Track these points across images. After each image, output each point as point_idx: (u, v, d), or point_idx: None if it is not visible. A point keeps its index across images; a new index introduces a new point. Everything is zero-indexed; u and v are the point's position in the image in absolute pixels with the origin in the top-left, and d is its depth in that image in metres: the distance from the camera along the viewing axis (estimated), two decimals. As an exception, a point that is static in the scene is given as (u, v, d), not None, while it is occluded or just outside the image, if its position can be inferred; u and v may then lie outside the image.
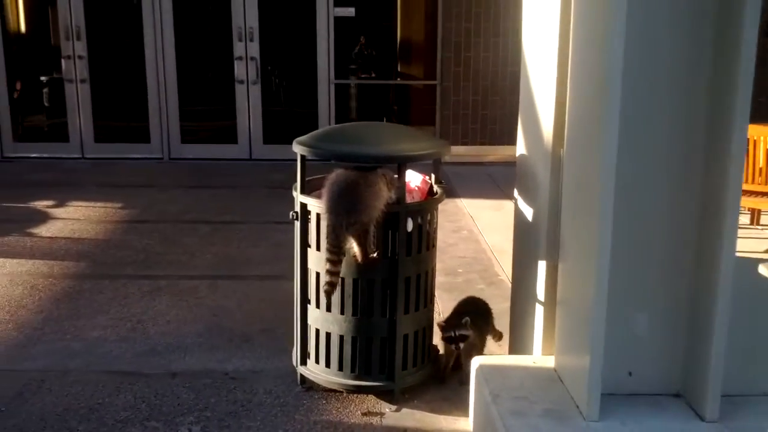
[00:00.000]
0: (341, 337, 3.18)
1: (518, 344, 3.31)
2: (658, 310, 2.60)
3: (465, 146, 8.69)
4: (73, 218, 6.19)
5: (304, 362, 3.33)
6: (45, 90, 9.01)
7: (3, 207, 6.58)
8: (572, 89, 2.67)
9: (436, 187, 3.36)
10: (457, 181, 7.42)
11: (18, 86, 8.84)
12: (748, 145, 5.18)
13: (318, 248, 3.12)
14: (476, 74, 8.63)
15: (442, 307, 4.03)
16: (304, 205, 3.15)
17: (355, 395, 3.28)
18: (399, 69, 9.84)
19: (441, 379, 3.39)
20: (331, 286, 2.94)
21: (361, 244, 2.96)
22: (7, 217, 6.25)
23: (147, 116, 8.64)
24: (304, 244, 3.20)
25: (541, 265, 2.98)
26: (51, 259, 5.15)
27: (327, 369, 3.24)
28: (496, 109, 8.71)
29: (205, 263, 5.15)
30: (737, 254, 2.40)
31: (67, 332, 3.98)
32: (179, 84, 8.59)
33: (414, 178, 3.37)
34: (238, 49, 8.52)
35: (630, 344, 2.62)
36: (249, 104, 8.66)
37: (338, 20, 8.56)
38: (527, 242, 3.16)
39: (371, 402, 3.26)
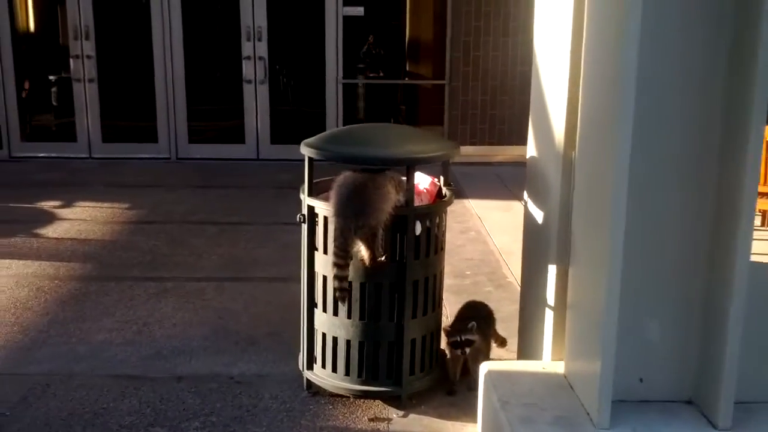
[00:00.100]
0: (348, 342, 3.14)
1: (527, 349, 3.26)
2: (670, 314, 2.55)
3: (473, 146, 8.63)
4: (80, 219, 6.17)
5: (310, 367, 3.30)
6: (53, 89, 9.00)
7: (10, 207, 6.57)
8: (585, 90, 2.62)
9: (444, 190, 3.32)
10: (465, 182, 7.37)
11: (26, 86, 8.83)
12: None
13: (325, 251, 3.08)
14: (485, 74, 8.58)
15: (450, 310, 3.98)
16: (311, 208, 3.12)
17: (362, 400, 3.25)
18: (407, 68, 9.79)
19: (451, 392, 3.34)
20: (343, 291, 2.90)
21: (369, 248, 2.92)
22: (14, 217, 6.24)
23: (155, 116, 8.62)
24: (311, 248, 3.16)
25: (551, 269, 2.93)
26: (57, 260, 5.13)
27: (334, 374, 3.21)
28: (505, 108, 8.65)
29: (212, 265, 5.12)
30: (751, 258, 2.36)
31: (72, 335, 3.95)
32: (187, 83, 8.57)
33: (422, 180, 3.33)
34: (247, 48, 8.49)
35: (641, 350, 2.57)
36: (257, 104, 8.63)
37: (347, 19, 8.52)
38: (537, 245, 3.11)
39: (378, 407, 3.22)
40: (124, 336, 3.96)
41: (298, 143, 3.17)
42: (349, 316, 3.11)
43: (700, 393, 2.54)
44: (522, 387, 2.75)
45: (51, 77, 8.99)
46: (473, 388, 3.12)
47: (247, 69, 8.53)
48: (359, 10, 8.60)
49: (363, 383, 3.17)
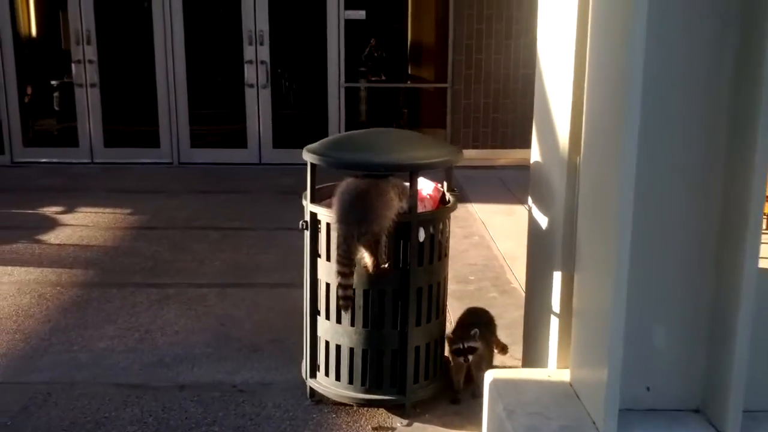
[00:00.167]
0: (351, 350, 3.11)
1: (532, 356, 3.23)
2: (677, 321, 2.51)
3: (476, 150, 8.61)
4: (82, 224, 6.15)
5: (313, 375, 3.27)
6: (55, 94, 8.99)
7: (12, 213, 6.56)
8: (589, 94, 2.59)
9: (448, 195, 3.29)
10: (468, 186, 7.35)
11: (29, 91, 8.83)
12: None
13: (328, 258, 3.06)
14: (487, 77, 8.55)
15: (454, 316, 3.95)
16: (314, 215, 3.09)
17: (366, 409, 3.22)
18: (409, 72, 9.77)
19: (455, 400, 3.32)
20: (347, 299, 2.88)
21: (372, 255, 2.90)
22: (16, 223, 6.22)
23: (157, 121, 8.61)
24: (314, 254, 3.14)
25: (556, 276, 2.90)
26: (59, 266, 5.11)
27: (337, 382, 3.18)
28: (507, 112, 8.63)
29: (214, 270, 5.10)
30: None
31: (74, 343, 3.93)
32: (189, 88, 8.56)
33: (426, 186, 3.30)
34: (248, 52, 8.48)
35: (648, 358, 2.54)
36: (259, 108, 8.61)
37: (349, 23, 8.51)
38: (542, 251, 3.08)
39: (382, 416, 3.19)
40: (126, 343, 3.94)
41: (301, 147, 3.15)
42: (352, 324, 3.08)
43: (707, 401, 2.51)
44: (527, 396, 2.71)
45: (53, 82, 8.99)
46: (478, 395, 3.09)
47: (249, 73, 8.52)
48: (361, 14, 8.58)
49: (366, 392, 3.14)
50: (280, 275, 4.97)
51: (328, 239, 3.03)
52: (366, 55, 9.02)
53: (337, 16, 8.44)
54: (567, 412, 2.58)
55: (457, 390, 3.34)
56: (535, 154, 3.13)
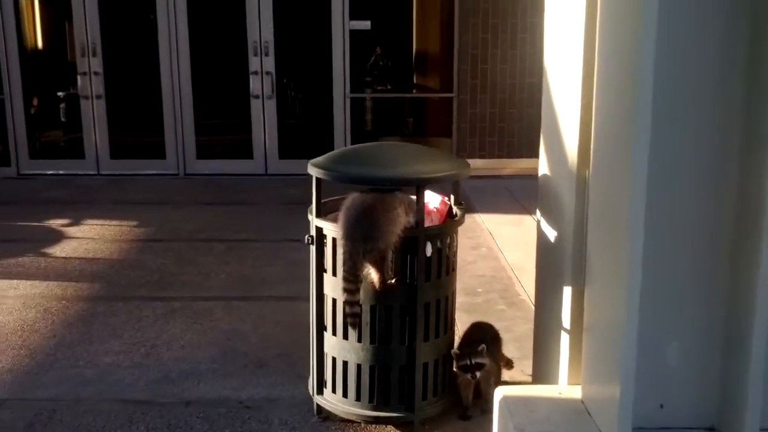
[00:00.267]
0: (359, 366, 3.07)
1: (542, 372, 3.18)
2: (691, 336, 2.46)
3: (482, 159, 8.57)
4: (88, 237, 6.13)
5: (320, 391, 3.23)
6: (61, 106, 9.00)
7: (18, 226, 6.55)
8: (598, 106, 2.55)
9: (455, 209, 3.26)
10: (475, 196, 7.31)
11: (35, 102, 8.83)
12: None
13: (334, 274, 3.02)
14: (493, 86, 8.53)
15: (462, 329, 3.91)
16: (319, 230, 3.06)
17: (373, 426, 3.18)
18: (415, 81, 9.75)
19: (464, 416, 3.27)
20: (354, 317, 2.84)
21: (378, 271, 2.86)
22: (23, 236, 6.21)
23: (162, 132, 8.61)
24: (320, 270, 3.10)
25: (566, 290, 2.86)
26: (65, 280, 5.09)
27: (344, 399, 3.14)
28: (513, 121, 8.60)
29: (220, 283, 5.07)
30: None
31: (79, 358, 3.90)
32: (194, 99, 8.55)
33: (432, 199, 3.27)
34: (254, 63, 8.47)
35: (661, 374, 2.49)
36: (264, 119, 8.60)
37: (354, 33, 8.49)
38: (551, 266, 3.04)
39: (390, 433, 3.15)
40: (132, 359, 3.90)
41: (307, 158, 3.12)
42: (359, 340, 3.04)
43: (723, 419, 2.46)
44: (539, 413, 2.67)
45: (59, 94, 8.99)
46: (488, 411, 3.04)
47: (255, 84, 8.51)
48: (366, 24, 8.57)
49: (374, 408, 3.10)
50: (286, 288, 4.93)
51: (334, 254, 2.99)
52: (371, 63, 9.01)
53: (342, 27, 8.43)
54: (578, 430, 2.54)
55: (466, 406, 3.29)
56: (543, 167, 3.09)
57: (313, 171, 3.03)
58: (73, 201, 7.50)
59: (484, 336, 3.36)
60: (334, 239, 2.98)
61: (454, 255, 3.19)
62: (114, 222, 6.58)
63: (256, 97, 8.54)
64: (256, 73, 8.49)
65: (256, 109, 8.59)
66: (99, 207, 7.19)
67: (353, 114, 8.75)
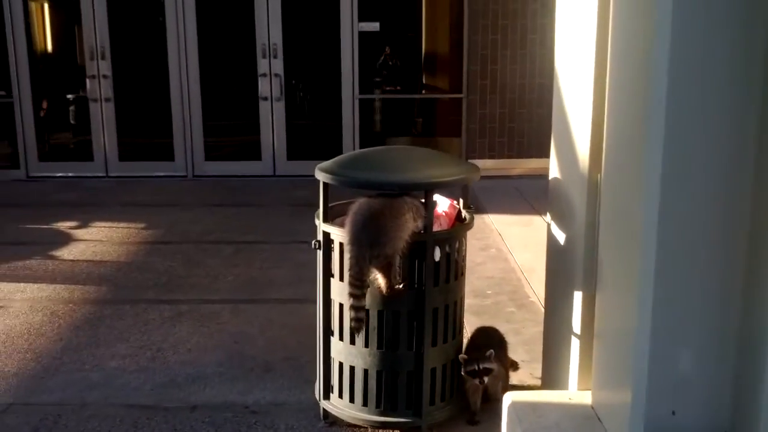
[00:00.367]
0: (366, 371, 3.03)
1: (552, 376, 3.14)
2: (703, 343, 2.42)
3: (492, 159, 8.54)
4: (96, 239, 6.12)
5: (327, 396, 3.20)
6: (71, 108, 9.01)
7: (27, 228, 6.55)
8: (611, 109, 2.51)
9: (464, 213, 3.21)
10: (485, 196, 7.27)
11: (44, 105, 8.85)
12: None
13: (341, 278, 2.98)
14: (503, 87, 8.48)
15: (470, 332, 3.87)
16: (326, 234, 3.02)
17: (381, 431, 3.14)
18: (424, 82, 9.71)
19: (472, 421, 3.23)
20: (359, 321, 2.80)
21: (385, 276, 2.82)
22: (31, 239, 6.20)
23: (171, 135, 8.60)
24: (327, 274, 3.07)
25: (577, 295, 2.82)
26: (72, 283, 5.08)
27: (351, 404, 3.10)
28: (523, 121, 8.55)
29: (228, 286, 5.04)
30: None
31: (85, 362, 3.88)
32: (203, 102, 8.55)
33: (441, 203, 3.23)
34: (262, 65, 8.46)
35: (673, 380, 2.44)
36: (273, 121, 8.59)
37: (363, 35, 8.46)
38: (562, 269, 2.99)
39: (398, 439, 3.11)
40: (138, 362, 3.88)
41: (315, 159, 3.09)
42: (366, 345, 3.00)
43: (736, 427, 2.41)
44: (548, 419, 2.63)
45: (68, 96, 9.00)
46: (497, 413, 3.00)
47: (263, 86, 8.49)
48: (375, 26, 8.54)
49: (381, 414, 3.06)
50: (294, 290, 4.90)
51: (341, 259, 2.96)
52: (381, 63, 8.97)
53: (350, 28, 8.40)
54: (589, 438, 2.50)
55: (474, 411, 3.25)
56: (553, 170, 3.05)
57: (321, 176, 2.99)
58: (82, 203, 7.50)
59: (489, 341, 3.32)
60: (341, 244, 2.94)
61: (463, 259, 3.15)
62: (122, 224, 6.58)
63: (265, 98, 8.52)
64: (264, 75, 8.47)
65: (265, 111, 8.57)
66: (107, 209, 7.18)
67: (362, 115, 8.72)
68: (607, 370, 2.56)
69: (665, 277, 2.30)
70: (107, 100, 8.54)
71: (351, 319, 2.84)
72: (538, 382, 3.45)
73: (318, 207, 3.10)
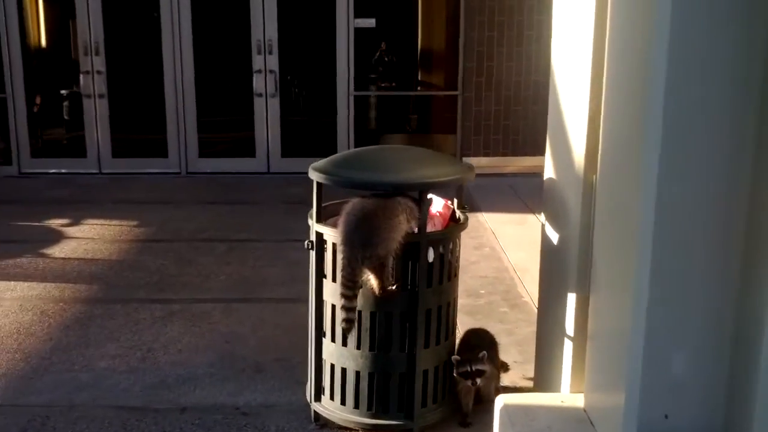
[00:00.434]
0: (357, 373, 3.00)
1: (544, 378, 3.12)
2: (698, 346, 2.39)
3: (487, 157, 8.50)
4: (88, 237, 6.08)
5: (318, 398, 3.17)
6: (64, 104, 8.95)
7: (18, 225, 6.50)
8: (607, 109, 2.48)
9: (458, 213, 3.18)
10: (479, 194, 7.23)
11: (37, 101, 8.79)
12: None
13: (334, 279, 2.95)
14: (498, 84, 8.45)
15: (463, 332, 3.84)
16: (319, 235, 2.99)
17: (373, 434, 3.11)
18: (420, 79, 9.68)
19: (464, 423, 3.20)
20: (349, 322, 2.77)
21: (378, 277, 2.79)
22: (22, 236, 6.16)
23: (165, 131, 8.55)
24: (320, 275, 3.03)
25: (570, 296, 2.79)
26: (63, 281, 5.03)
27: (342, 406, 3.07)
28: (518, 119, 8.52)
29: (220, 285, 5.00)
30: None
31: (75, 362, 3.84)
32: (197, 98, 8.49)
33: (435, 203, 3.19)
34: (257, 62, 8.41)
35: (667, 383, 2.41)
36: (267, 117, 8.54)
37: (358, 31, 8.42)
38: (555, 271, 2.97)
39: (389, 441, 3.08)
40: (128, 363, 3.84)
41: (310, 156, 3.07)
42: (358, 347, 2.97)
43: (729, 431, 2.39)
44: (540, 422, 2.60)
45: (62, 92, 8.94)
46: (489, 415, 2.97)
47: (258, 82, 8.44)
48: (371, 22, 8.49)
49: (373, 416, 3.03)
50: (287, 289, 4.87)
51: (334, 260, 2.93)
52: (376, 58, 8.92)
53: (346, 25, 8.35)
54: (581, 442, 2.47)
55: (465, 413, 3.22)
56: (548, 170, 3.02)
57: (314, 175, 2.95)
58: (74, 200, 7.44)
59: (480, 342, 3.29)
60: (334, 245, 2.91)
61: (457, 260, 3.12)
62: (114, 222, 6.53)
63: (260, 95, 8.47)
64: (259, 71, 8.42)
65: (260, 108, 8.52)
66: (100, 206, 7.13)
67: (357, 112, 8.67)
68: (600, 373, 2.54)
69: (661, 278, 2.27)
70: (101, 96, 8.48)
71: (342, 320, 2.81)
72: (531, 383, 3.42)
73: (311, 207, 3.07)
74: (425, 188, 2.85)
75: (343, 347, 3.00)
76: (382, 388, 3.00)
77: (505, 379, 3.56)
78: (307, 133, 8.93)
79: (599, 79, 2.54)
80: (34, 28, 8.97)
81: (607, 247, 2.49)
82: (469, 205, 3.27)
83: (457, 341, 3.32)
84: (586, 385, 2.67)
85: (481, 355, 3.09)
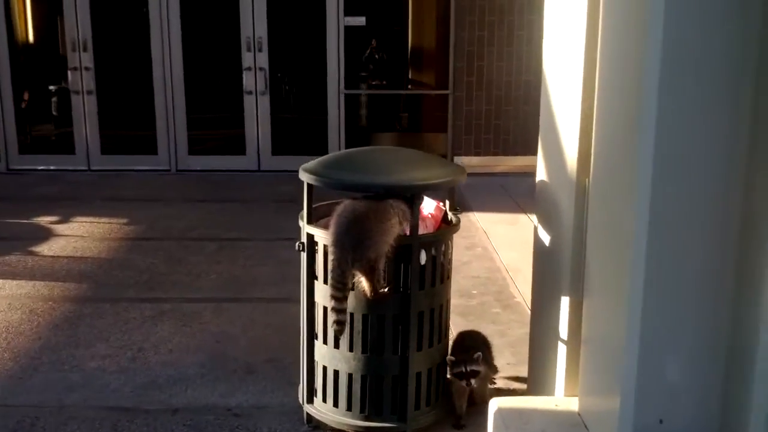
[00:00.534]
0: (350, 376, 2.99)
1: (538, 381, 3.11)
2: (692, 351, 2.39)
3: (478, 156, 8.51)
4: (77, 235, 6.03)
5: (310, 400, 3.15)
6: (52, 100, 8.88)
7: (6, 223, 6.44)
8: (600, 111, 2.47)
9: (450, 215, 3.17)
10: (470, 194, 7.22)
11: (25, 97, 8.71)
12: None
13: (325, 281, 2.93)
14: (489, 84, 8.44)
15: (456, 333, 3.83)
16: (310, 236, 2.97)
17: (365, 436, 3.10)
18: (410, 78, 9.66)
19: (457, 425, 3.20)
20: (339, 324, 2.76)
21: (369, 279, 2.77)
22: (10, 234, 6.11)
23: (154, 128, 8.50)
24: (311, 277, 3.02)
25: (564, 300, 2.79)
26: (52, 280, 4.99)
27: (335, 408, 3.06)
28: (509, 119, 8.52)
29: (210, 284, 4.98)
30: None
31: (64, 362, 3.81)
32: (187, 95, 8.45)
33: (427, 205, 3.18)
34: (247, 59, 8.37)
35: (661, 388, 2.41)
36: (257, 115, 8.50)
37: (348, 30, 8.39)
38: (548, 274, 2.96)
39: (382, 443, 3.07)
40: (119, 363, 3.82)
41: (300, 154, 3.05)
42: (350, 349, 2.96)
43: (723, 436, 2.39)
44: (534, 426, 2.60)
45: (50, 88, 8.87)
46: (483, 417, 2.97)
47: (248, 80, 8.41)
48: (361, 20, 8.47)
49: (366, 419, 3.02)
50: (278, 289, 4.85)
51: (326, 262, 2.91)
52: (367, 56, 8.90)
53: (336, 23, 8.33)
54: (575, 446, 2.47)
55: (459, 415, 3.22)
56: (540, 173, 3.01)
57: (305, 177, 2.94)
58: (63, 197, 7.39)
59: (474, 344, 3.29)
60: (325, 246, 2.90)
61: (449, 262, 3.11)
62: (104, 219, 6.48)
63: (250, 93, 8.44)
64: (249, 68, 8.38)
65: (249, 105, 8.49)
66: (88, 204, 7.08)
67: (348, 110, 8.65)
68: (595, 377, 2.53)
69: (655, 282, 2.27)
70: (89, 92, 8.42)
71: (332, 322, 2.79)
72: (524, 385, 3.42)
73: (302, 208, 3.05)
74: (417, 190, 2.84)
75: (336, 349, 2.99)
76: (375, 390, 2.99)
77: (499, 381, 3.56)
78: (298, 130, 8.91)
79: (591, 81, 2.54)
80: (21, 23, 8.89)
81: (600, 251, 2.49)
82: (461, 204, 3.26)
83: (451, 343, 3.31)
84: (580, 389, 2.66)
85: (476, 355, 3.08)
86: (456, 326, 3.88)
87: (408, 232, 2.85)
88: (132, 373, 3.70)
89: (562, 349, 2.82)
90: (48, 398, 3.45)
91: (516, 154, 8.44)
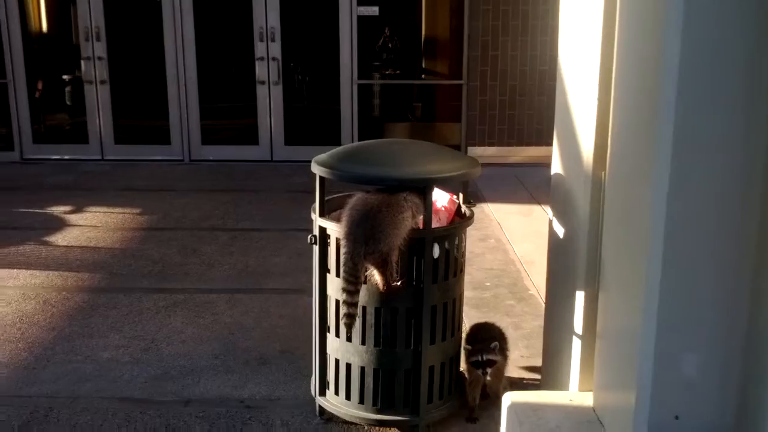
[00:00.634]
0: (362, 369, 2.98)
1: (552, 375, 3.09)
2: (710, 346, 2.36)
3: (492, 147, 8.46)
4: (90, 225, 6.05)
5: (323, 393, 3.14)
6: (66, 90, 8.88)
7: (21, 213, 6.46)
8: (617, 103, 2.43)
9: (464, 208, 3.15)
10: (484, 184, 7.18)
11: (39, 86, 8.73)
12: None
13: (338, 274, 2.92)
14: (503, 74, 8.38)
15: (469, 325, 3.81)
16: (323, 229, 2.96)
17: (378, 429, 3.09)
18: (424, 67, 9.60)
19: (471, 419, 3.18)
20: (350, 317, 2.74)
21: (381, 272, 2.76)
22: (24, 224, 6.13)
23: (167, 118, 8.50)
24: (323, 270, 3.00)
25: (579, 294, 2.76)
26: (66, 270, 5.01)
27: (347, 401, 3.05)
28: (523, 109, 8.45)
29: (224, 275, 4.98)
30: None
31: (78, 353, 3.82)
32: (200, 85, 8.44)
33: (440, 198, 3.15)
34: (260, 49, 8.35)
35: (677, 385, 2.39)
36: (270, 105, 8.49)
37: (361, 19, 8.35)
38: (563, 268, 2.93)
39: (394, 437, 3.07)
40: (132, 354, 3.82)
41: (313, 144, 3.03)
42: (363, 342, 2.94)
43: (740, 432, 2.36)
44: (548, 421, 2.58)
45: (64, 77, 8.88)
46: (498, 405, 2.95)
47: (261, 70, 8.38)
48: (374, 10, 8.42)
49: (378, 412, 3.01)
50: (291, 280, 4.84)
51: (338, 255, 2.89)
52: (380, 46, 8.85)
53: (349, 12, 8.29)
54: (590, 442, 2.45)
55: (472, 407, 3.20)
56: (555, 166, 2.98)
57: (317, 169, 2.92)
58: (77, 187, 7.41)
59: (491, 335, 3.26)
60: (337, 239, 2.88)
61: (463, 256, 3.09)
62: (117, 209, 6.50)
63: (262, 83, 8.42)
64: (262, 58, 8.36)
65: (262, 95, 8.47)
66: (102, 194, 7.10)
67: (361, 99, 8.62)
68: (610, 372, 2.51)
69: (672, 276, 2.24)
70: (102, 82, 8.43)
71: (343, 315, 2.78)
72: (537, 377, 3.40)
73: (314, 200, 3.03)
74: (430, 183, 2.81)
75: (348, 342, 2.98)
76: (388, 384, 2.98)
77: (514, 373, 3.54)
78: (311, 121, 8.88)
79: (608, 72, 2.50)
80: (34, 12, 8.90)
81: (616, 245, 2.46)
82: (474, 195, 3.23)
83: (465, 335, 3.29)
84: (595, 384, 2.64)
85: (493, 345, 3.06)
86: (469, 318, 3.86)
87: (421, 226, 2.83)
88: (145, 364, 3.71)
89: (576, 343, 2.79)
90: (61, 389, 3.47)
91: (530, 144, 8.38)
